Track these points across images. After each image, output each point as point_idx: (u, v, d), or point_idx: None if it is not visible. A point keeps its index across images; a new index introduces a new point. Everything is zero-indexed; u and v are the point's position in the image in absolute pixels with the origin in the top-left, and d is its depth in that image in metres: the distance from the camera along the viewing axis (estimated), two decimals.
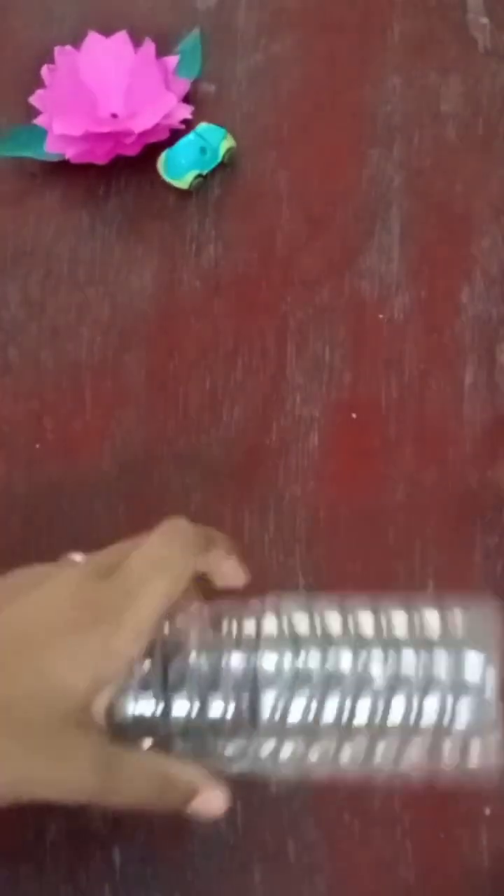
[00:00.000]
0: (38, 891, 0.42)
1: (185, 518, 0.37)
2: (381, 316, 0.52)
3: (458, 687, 0.36)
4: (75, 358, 0.52)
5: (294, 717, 0.36)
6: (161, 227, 0.55)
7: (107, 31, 0.57)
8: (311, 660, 0.36)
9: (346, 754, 0.37)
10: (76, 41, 0.57)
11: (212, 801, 0.37)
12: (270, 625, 0.37)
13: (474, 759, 0.37)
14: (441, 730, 0.37)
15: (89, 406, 0.51)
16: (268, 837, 0.43)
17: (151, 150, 0.55)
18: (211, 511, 0.48)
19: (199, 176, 0.55)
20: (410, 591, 0.42)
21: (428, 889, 0.42)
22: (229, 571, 0.38)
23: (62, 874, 0.42)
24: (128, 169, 0.56)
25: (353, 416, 0.50)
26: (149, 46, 0.57)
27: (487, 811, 0.43)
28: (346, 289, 0.53)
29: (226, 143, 0.55)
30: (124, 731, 0.36)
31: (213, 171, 0.55)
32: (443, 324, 0.52)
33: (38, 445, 0.50)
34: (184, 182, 0.54)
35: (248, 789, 0.43)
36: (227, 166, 0.56)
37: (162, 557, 0.36)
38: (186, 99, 0.57)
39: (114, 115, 0.56)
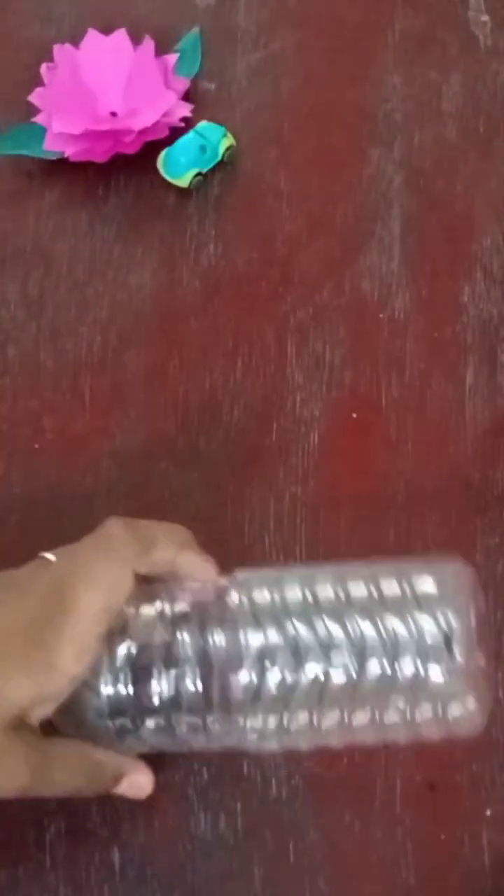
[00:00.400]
0: (38, 891, 0.42)
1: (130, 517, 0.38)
2: (381, 315, 0.52)
3: (426, 650, 0.37)
4: (74, 357, 0.51)
5: (267, 690, 0.37)
6: (161, 225, 0.55)
7: (106, 29, 0.57)
8: (279, 634, 0.37)
9: (326, 723, 0.38)
10: (75, 39, 0.57)
11: (138, 783, 0.40)
12: (238, 602, 0.38)
13: (452, 721, 0.38)
14: (414, 693, 0.38)
15: (88, 406, 0.50)
16: (268, 838, 0.43)
17: (151, 149, 0.55)
18: (211, 511, 0.48)
19: (199, 174, 0.54)
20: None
21: (428, 890, 0.42)
22: (187, 568, 0.39)
23: (62, 874, 0.42)
24: (127, 167, 0.55)
25: (354, 415, 0.50)
26: (148, 44, 0.56)
27: (488, 812, 0.43)
28: (346, 288, 0.53)
29: (226, 142, 0.55)
30: (98, 712, 0.37)
31: (213, 170, 0.55)
32: (444, 323, 0.52)
33: (37, 445, 0.49)
34: (183, 180, 0.54)
35: (248, 790, 0.43)
36: (226, 165, 0.56)
37: (95, 571, 0.37)
38: (186, 97, 0.57)
39: (113, 114, 0.56)
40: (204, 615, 0.38)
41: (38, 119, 0.55)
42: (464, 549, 0.47)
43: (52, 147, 0.55)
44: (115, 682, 0.37)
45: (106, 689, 0.37)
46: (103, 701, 0.37)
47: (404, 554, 0.47)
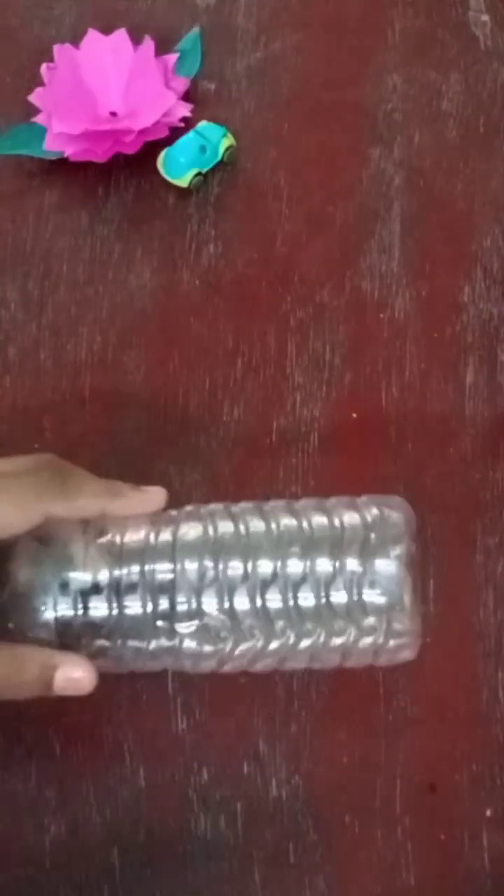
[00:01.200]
0: (38, 891, 0.42)
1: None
2: (381, 315, 0.52)
3: (370, 586, 0.39)
4: (74, 357, 0.51)
5: (210, 612, 0.39)
6: (160, 225, 0.55)
7: (106, 30, 0.57)
8: (231, 561, 0.39)
9: (263, 647, 0.39)
10: (76, 39, 0.57)
11: (75, 674, 0.38)
12: (193, 530, 0.40)
13: (388, 650, 0.40)
14: (354, 622, 0.39)
15: (88, 406, 0.50)
16: (268, 838, 0.43)
17: (151, 149, 0.55)
18: None
19: (199, 174, 0.54)
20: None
21: (428, 891, 0.42)
22: (119, 514, 0.40)
23: (62, 874, 0.42)
24: (127, 167, 0.55)
25: (354, 415, 0.50)
26: (148, 44, 0.56)
27: (488, 812, 0.43)
28: (346, 288, 0.53)
29: (226, 142, 0.55)
30: (46, 629, 0.38)
31: (213, 170, 0.55)
32: (444, 323, 0.52)
33: (37, 445, 0.49)
34: (183, 180, 0.54)
35: (247, 790, 0.43)
36: (226, 165, 0.56)
37: (8, 487, 0.38)
38: (186, 97, 0.57)
39: (113, 114, 0.56)
40: (154, 542, 0.40)
41: (38, 119, 0.55)
42: (464, 549, 0.47)
43: (51, 147, 0.55)
44: (65, 599, 0.39)
45: (54, 605, 0.38)
46: (52, 616, 0.38)
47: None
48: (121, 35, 0.57)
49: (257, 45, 0.59)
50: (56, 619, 0.39)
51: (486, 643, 0.46)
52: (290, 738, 0.44)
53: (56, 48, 0.57)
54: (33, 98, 0.56)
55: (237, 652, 0.40)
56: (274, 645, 0.39)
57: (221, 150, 0.55)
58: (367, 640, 0.39)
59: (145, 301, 0.53)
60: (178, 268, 0.53)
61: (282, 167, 0.56)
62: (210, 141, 0.54)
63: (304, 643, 0.39)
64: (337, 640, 0.39)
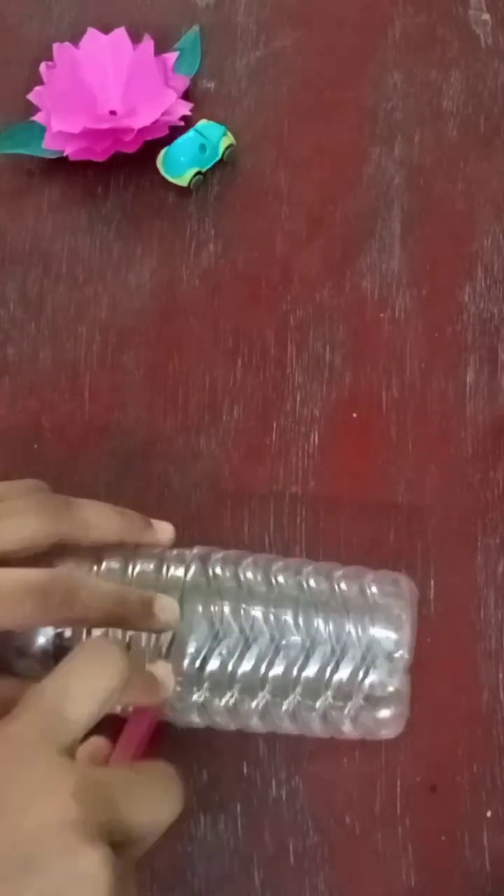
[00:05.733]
0: None
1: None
2: (381, 315, 0.52)
3: (367, 658, 0.39)
4: (74, 357, 0.51)
5: (209, 664, 0.39)
6: (160, 225, 0.55)
7: (106, 28, 0.57)
8: (231, 613, 0.39)
9: (254, 708, 0.39)
10: (75, 38, 0.57)
11: (167, 606, 0.39)
12: (196, 574, 0.40)
13: (376, 727, 0.40)
14: (348, 696, 0.39)
15: (88, 406, 0.50)
16: (268, 839, 0.43)
17: (150, 148, 0.55)
18: (211, 511, 0.48)
19: (199, 173, 0.54)
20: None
21: (429, 891, 0.42)
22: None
23: None
24: (127, 166, 0.55)
25: (354, 415, 0.50)
26: (148, 43, 0.56)
27: (489, 813, 0.43)
28: (346, 287, 0.53)
29: (225, 141, 0.55)
30: (44, 662, 0.39)
31: (213, 169, 0.55)
32: (444, 322, 0.52)
33: (36, 445, 0.49)
34: (183, 179, 0.54)
35: (248, 791, 0.43)
36: (226, 164, 0.55)
37: (14, 508, 0.39)
38: (186, 96, 0.57)
39: (112, 112, 0.56)
40: (162, 579, 0.40)
41: (38, 118, 0.55)
42: (465, 549, 0.47)
43: (51, 146, 0.55)
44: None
45: (47, 637, 0.39)
46: (47, 647, 0.39)
47: (405, 555, 0.47)
48: (120, 34, 0.57)
49: (257, 43, 0.59)
50: (52, 641, 0.39)
51: (486, 643, 0.46)
52: (290, 739, 0.44)
53: (55, 47, 0.56)
54: (32, 97, 0.56)
55: (218, 705, 0.39)
56: (254, 703, 0.39)
57: (221, 148, 0.55)
58: (352, 712, 0.39)
59: (145, 300, 0.53)
60: (177, 267, 0.53)
61: (282, 166, 0.56)
62: (210, 140, 0.54)
63: (285, 705, 0.39)
64: (318, 706, 0.39)
